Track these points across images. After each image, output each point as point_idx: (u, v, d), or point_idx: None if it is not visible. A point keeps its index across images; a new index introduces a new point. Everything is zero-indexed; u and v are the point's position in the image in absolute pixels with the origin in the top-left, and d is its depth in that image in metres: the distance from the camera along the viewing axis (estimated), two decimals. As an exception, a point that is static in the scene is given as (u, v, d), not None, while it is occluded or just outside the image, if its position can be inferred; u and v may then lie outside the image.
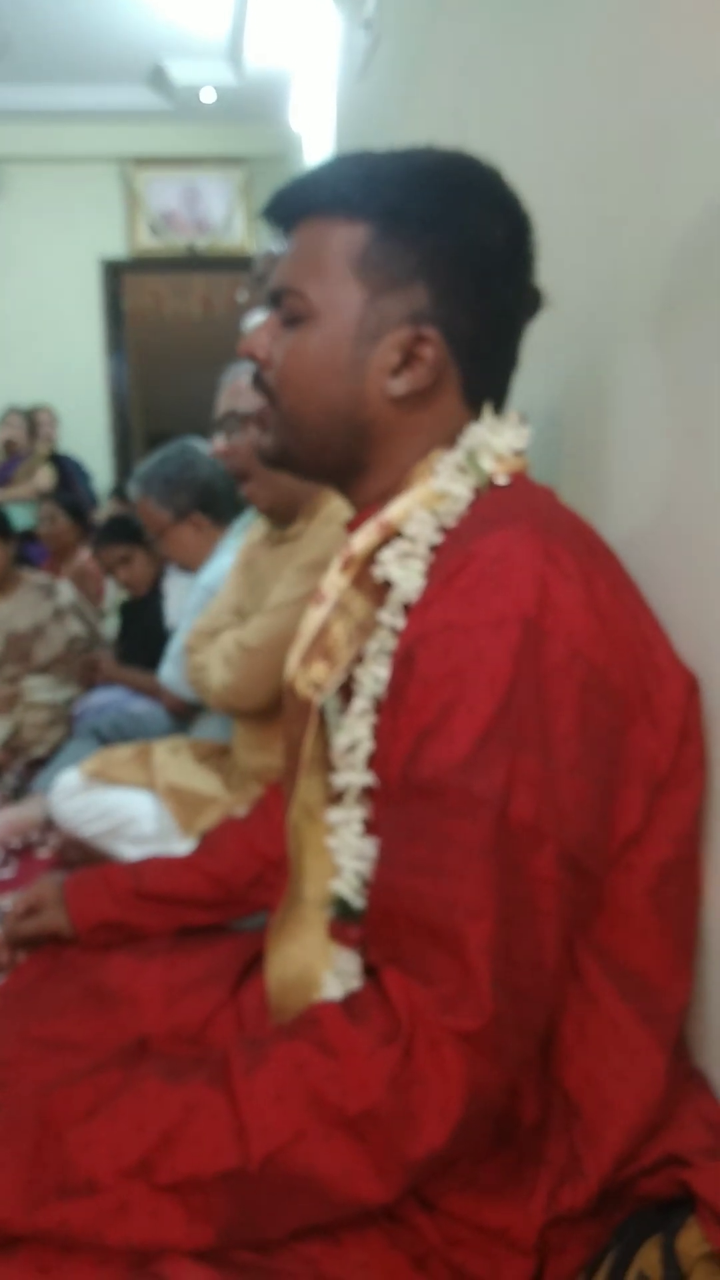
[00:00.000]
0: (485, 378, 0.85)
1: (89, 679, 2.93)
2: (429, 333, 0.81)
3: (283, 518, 1.67)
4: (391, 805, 0.74)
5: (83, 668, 3.00)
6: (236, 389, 1.70)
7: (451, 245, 0.81)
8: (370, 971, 0.74)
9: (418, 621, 0.75)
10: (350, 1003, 0.70)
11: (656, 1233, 0.69)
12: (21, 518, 4.66)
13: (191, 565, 2.26)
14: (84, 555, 4.24)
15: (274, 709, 1.62)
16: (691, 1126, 0.74)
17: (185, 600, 2.26)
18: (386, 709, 0.76)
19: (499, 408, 0.87)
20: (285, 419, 0.87)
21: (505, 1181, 0.73)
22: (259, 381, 0.90)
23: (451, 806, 0.67)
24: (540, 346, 0.92)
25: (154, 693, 2.52)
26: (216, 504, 2.21)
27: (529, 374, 0.92)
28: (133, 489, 2.27)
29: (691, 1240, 0.65)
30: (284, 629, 1.53)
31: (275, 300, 0.87)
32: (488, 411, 0.84)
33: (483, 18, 1.55)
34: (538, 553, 0.71)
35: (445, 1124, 0.64)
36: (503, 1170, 0.74)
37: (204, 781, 1.78)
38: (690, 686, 0.78)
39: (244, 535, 2.12)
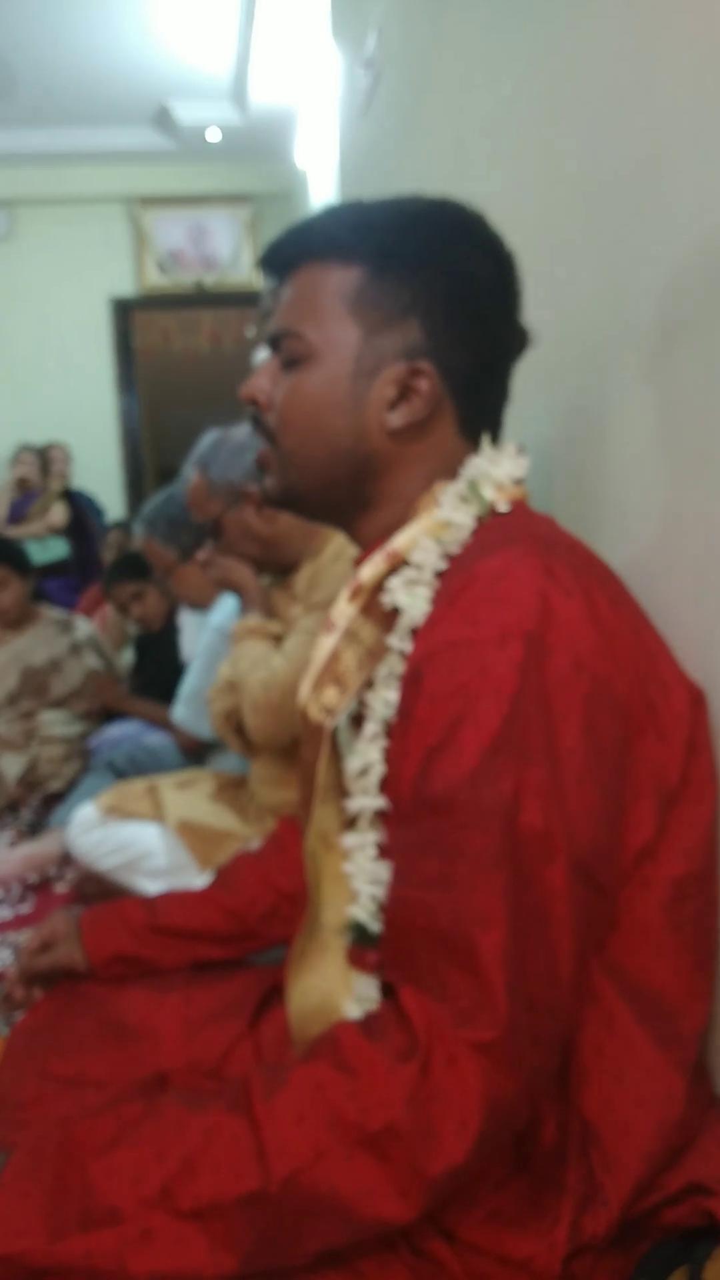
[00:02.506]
0: (479, 409, 0.88)
1: (99, 700, 2.94)
2: (423, 366, 0.83)
3: (284, 573, 1.69)
4: (403, 824, 0.75)
5: (93, 689, 3.01)
6: (195, 501, 1.74)
7: (442, 282, 0.84)
8: (388, 991, 0.75)
9: (424, 641, 0.76)
10: (368, 1021, 0.70)
11: (682, 1263, 0.68)
12: (36, 554, 4.69)
13: (201, 604, 2.27)
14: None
15: (290, 746, 1.63)
16: (715, 1155, 0.74)
17: (197, 639, 2.26)
18: (396, 730, 0.77)
19: (493, 439, 0.89)
20: (289, 458, 0.89)
21: (527, 1211, 0.73)
22: (259, 425, 0.92)
23: (461, 819, 0.68)
24: (537, 376, 0.93)
25: (166, 725, 2.52)
26: None
27: (526, 404, 0.93)
28: (138, 529, 2.28)
29: (718, 1271, 0.65)
30: (303, 657, 1.54)
31: (274, 344, 0.89)
32: (485, 442, 0.86)
33: (480, 53, 1.57)
34: (538, 569, 0.72)
35: (465, 1138, 0.64)
36: (523, 1199, 0.73)
37: (218, 817, 1.78)
38: (696, 698, 0.79)
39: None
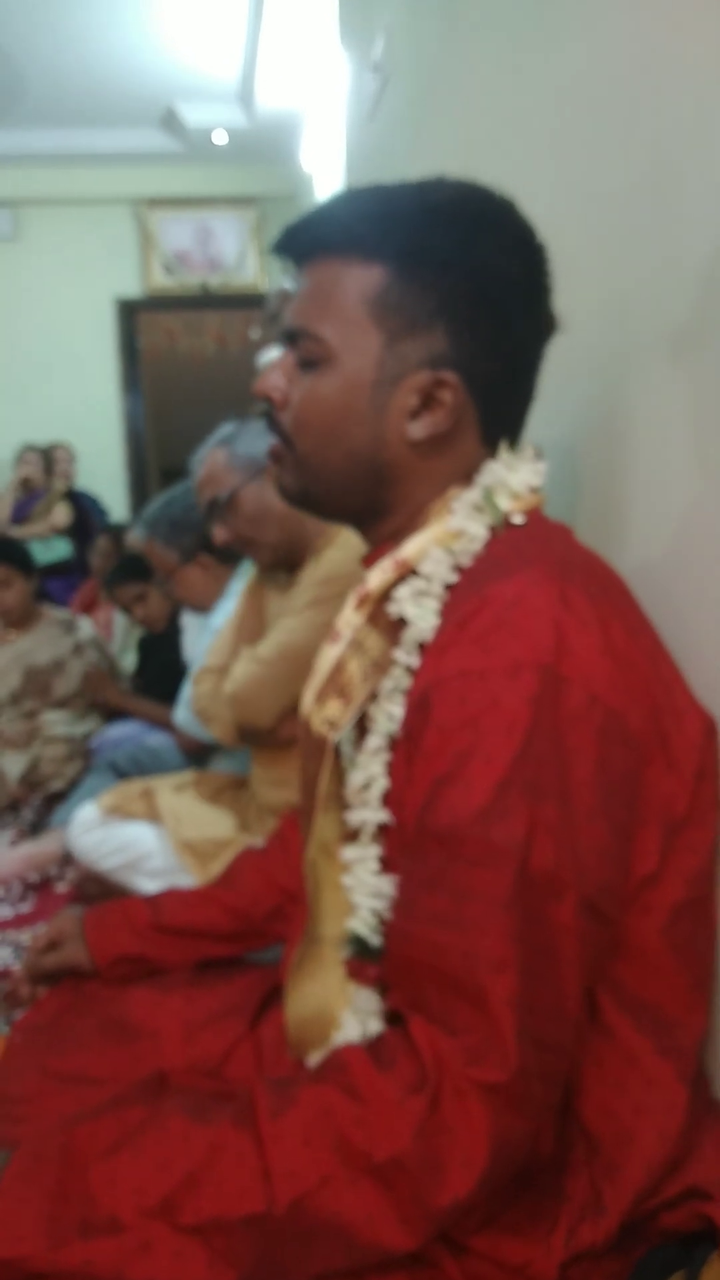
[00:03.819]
0: (504, 415, 0.86)
1: (93, 695, 2.94)
2: (448, 377, 0.81)
3: (290, 568, 1.69)
4: (408, 852, 0.74)
5: (89, 684, 3.00)
6: (211, 477, 1.71)
7: (470, 286, 0.80)
8: (394, 1016, 0.74)
9: (433, 666, 0.74)
10: (377, 1048, 0.70)
11: (679, 1268, 0.68)
12: (40, 554, 4.69)
13: (202, 606, 2.26)
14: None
15: (285, 743, 1.63)
16: (713, 1159, 0.74)
17: (199, 641, 2.26)
18: (401, 751, 0.76)
19: (514, 440, 0.87)
20: (303, 462, 0.87)
21: (526, 1218, 0.73)
22: (273, 422, 0.90)
23: (471, 856, 0.67)
24: (554, 380, 0.93)
25: (167, 725, 2.52)
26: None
27: (544, 408, 0.92)
28: (139, 532, 2.28)
29: (715, 1275, 0.65)
30: (296, 642, 1.54)
31: (290, 340, 0.86)
32: (504, 448, 0.84)
33: (489, 57, 1.57)
34: (553, 598, 0.71)
35: (471, 1174, 0.64)
36: (524, 1207, 0.73)
37: (217, 824, 1.78)
38: (708, 728, 0.77)
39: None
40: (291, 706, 1.50)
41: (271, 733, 1.64)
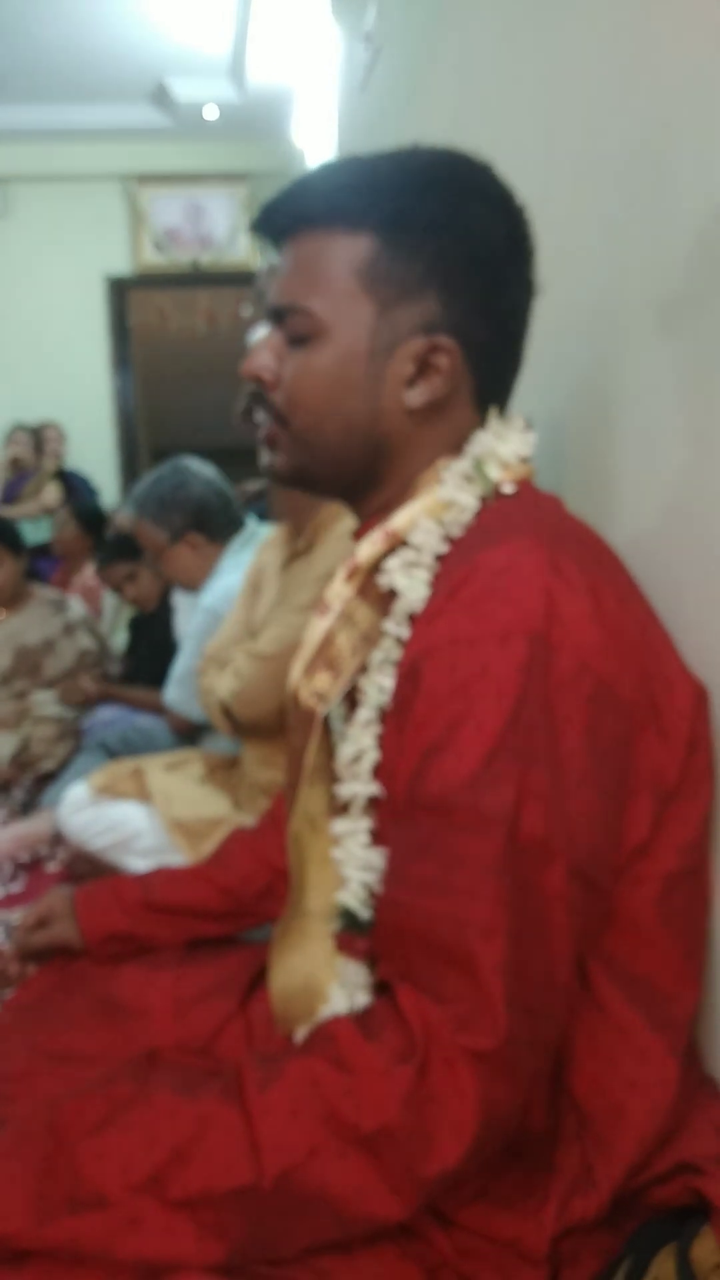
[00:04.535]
0: (497, 381, 0.85)
1: (83, 702, 2.93)
2: (444, 341, 0.80)
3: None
4: (398, 820, 0.74)
5: (67, 691, 2.98)
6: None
7: (458, 249, 0.79)
8: (382, 986, 0.74)
9: (423, 635, 0.74)
10: (365, 1019, 0.70)
11: (670, 1242, 0.68)
12: (30, 534, 4.68)
13: (192, 585, 2.26)
14: (93, 567, 4.23)
15: (279, 726, 1.62)
16: (704, 1134, 0.74)
17: (189, 620, 2.26)
18: (392, 722, 0.76)
19: (502, 410, 0.86)
20: (300, 439, 0.85)
21: (516, 1192, 0.73)
22: (263, 402, 0.88)
23: (461, 823, 0.67)
24: (545, 351, 0.92)
25: (157, 710, 2.52)
26: (212, 522, 2.21)
27: (533, 379, 0.91)
28: (128, 512, 2.27)
29: (706, 1249, 0.65)
30: (295, 638, 1.53)
31: (277, 318, 0.85)
32: (494, 417, 0.83)
33: (482, 25, 1.56)
34: (543, 565, 0.70)
35: (460, 1142, 0.64)
36: (514, 1181, 0.73)
37: (208, 803, 1.78)
38: (699, 696, 0.77)
39: (245, 552, 2.13)
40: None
41: (274, 729, 1.63)
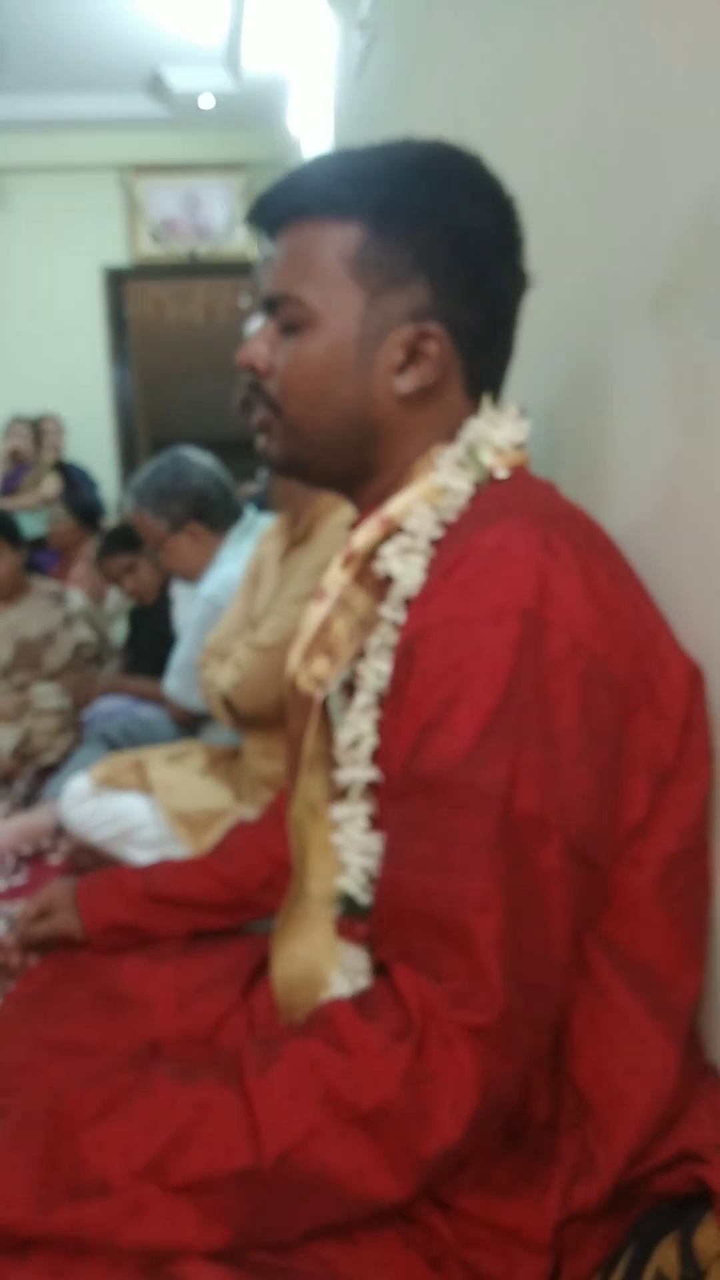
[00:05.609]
0: (487, 368, 0.86)
1: (84, 699, 2.93)
2: (432, 328, 0.81)
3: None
4: (394, 800, 0.74)
5: (75, 690, 2.99)
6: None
7: (446, 237, 0.81)
8: (380, 968, 0.74)
9: (417, 616, 0.74)
10: (362, 1000, 0.70)
11: (673, 1230, 0.68)
12: (29, 526, 4.67)
13: (191, 575, 2.25)
14: (88, 558, 4.26)
15: (280, 717, 1.62)
16: (707, 1122, 0.74)
17: (189, 611, 2.26)
18: (388, 704, 0.76)
19: (495, 397, 0.87)
20: (293, 427, 0.86)
21: (519, 1180, 0.73)
22: (258, 392, 0.89)
23: (455, 801, 0.67)
24: (537, 338, 0.92)
25: (159, 700, 2.52)
26: (212, 511, 2.21)
27: (526, 366, 0.91)
28: (127, 502, 2.27)
29: (709, 1237, 0.65)
30: (295, 628, 1.53)
31: (270, 307, 0.86)
32: (487, 404, 0.84)
33: (476, 12, 1.55)
34: (536, 544, 0.70)
35: (459, 1119, 0.64)
36: (516, 1169, 0.73)
37: (210, 795, 1.78)
38: (694, 675, 0.77)
39: (245, 542, 2.13)
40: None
41: (275, 720, 1.63)
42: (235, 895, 1.17)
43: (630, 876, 0.74)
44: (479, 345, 0.84)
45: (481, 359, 0.85)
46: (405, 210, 0.80)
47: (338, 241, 0.81)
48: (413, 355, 0.82)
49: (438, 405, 0.84)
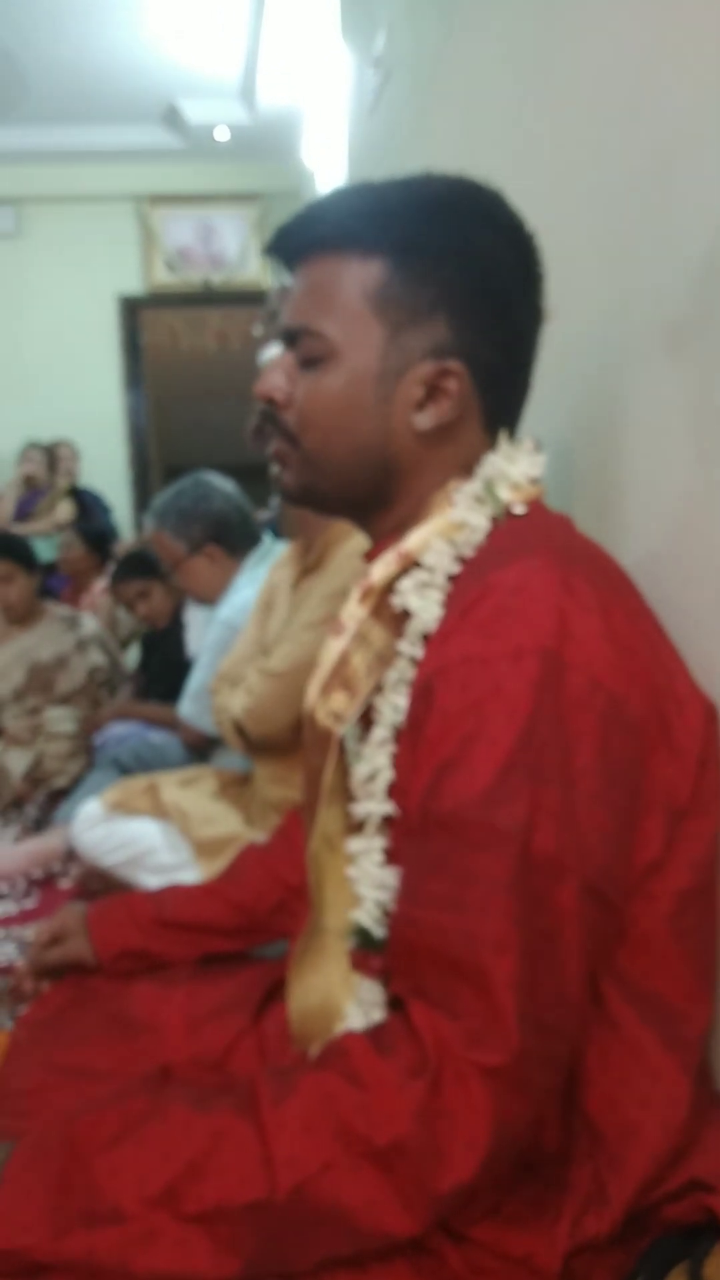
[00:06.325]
0: (505, 405, 0.86)
1: (96, 724, 2.94)
2: (453, 366, 0.81)
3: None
4: (411, 837, 0.74)
5: (87, 715, 3.01)
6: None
7: (467, 274, 0.81)
8: (395, 1003, 0.74)
9: (436, 654, 0.74)
10: (378, 1034, 0.70)
11: (682, 1260, 0.68)
12: (43, 552, 4.71)
13: (208, 598, 2.27)
14: (100, 585, 4.29)
15: (291, 743, 1.63)
16: (715, 1151, 0.74)
17: (205, 634, 2.27)
18: (405, 740, 0.76)
19: (512, 432, 0.87)
20: (310, 459, 0.87)
21: (529, 1209, 0.73)
22: (274, 422, 0.90)
23: (473, 840, 0.67)
24: (552, 373, 0.92)
25: (171, 726, 2.53)
26: (231, 536, 2.23)
27: (541, 400, 0.92)
28: (147, 523, 2.29)
29: (718, 1267, 0.65)
30: (307, 655, 1.54)
31: (290, 340, 0.86)
32: (503, 439, 0.84)
33: (489, 51, 1.57)
34: (555, 583, 0.71)
35: (473, 1157, 0.64)
36: (527, 1198, 0.73)
37: (221, 819, 1.78)
38: (709, 713, 0.77)
39: (261, 568, 2.14)
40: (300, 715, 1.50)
41: (286, 746, 1.64)
42: (246, 919, 1.17)
43: (644, 911, 0.74)
44: (498, 381, 0.84)
45: (500, 396, 0.85)
46: (428, 248, 0.80)
47: (359, 276, 0.82)
48: (432, 392, 0.82)
49: (456, 441, 0.84)
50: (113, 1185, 0.67)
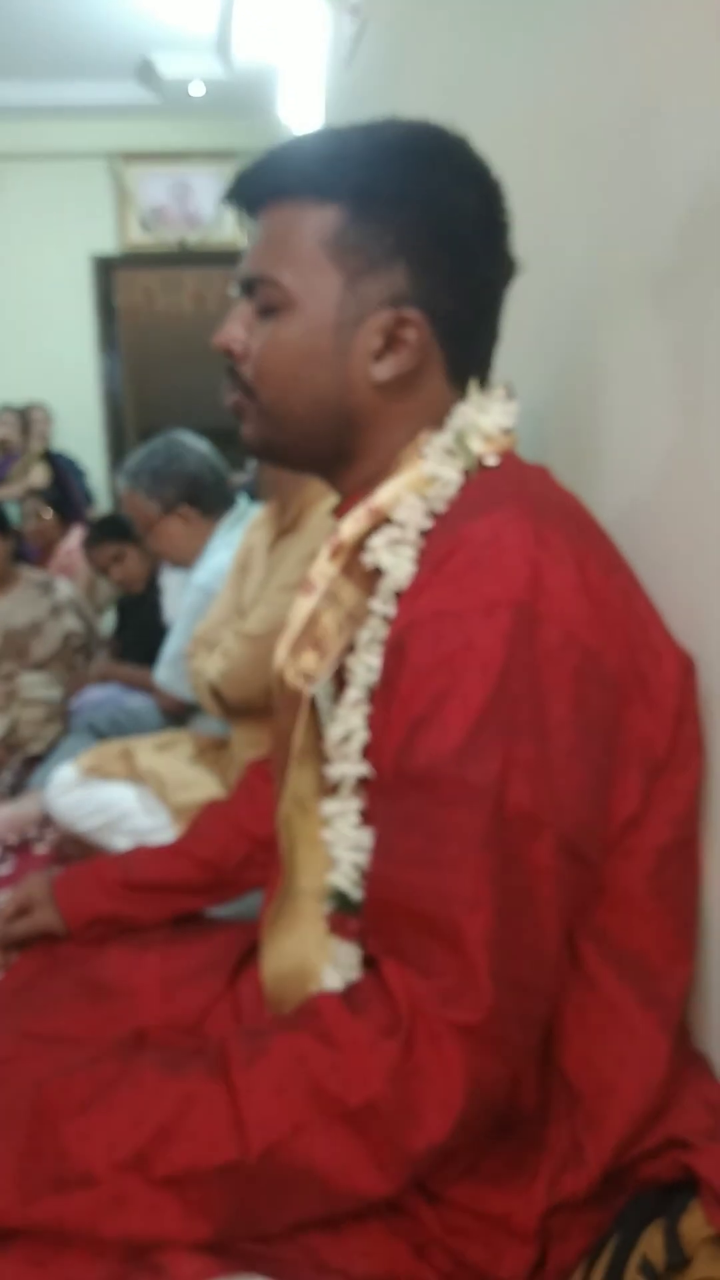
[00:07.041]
0: (469, 355, 0.84)
1: (72, 688, 2.92)
2: (411, 314, 0.79)
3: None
4: (385, 795, 0.73)
5: (71, 682, 2.98)
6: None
7: (427, 221, 0.78)
8: (369, 962, 0.74)
9: (408, 609, 0.73)
10: (351, 994, 0.69)
11: (659, 1217, 0.68)
12: (16, 517, 4.68)
13: (182, 560, 2.24)
14: (66, 549, 4.28)
15: (268, 707, 1.61)
16: (693, 1109, 0.74)
17: (180, 599, 2.25)
18: (379, 699, 0.75)
19: (483, 382, 0.85)
20: (267, 412, 0.85)
21: (506, 1169, 0.73)
22: (233, 374, 0.87)
23: (447, 796, 0.66)
24: (531, 324, 0.91)
25: (150, 688, 2.51)
26: (205, 496, 2.20)
27: (519, 352, 0.90)
28: (120, 483, 2.26)
29: (694, 1224, 0.65)
30: (283, 617, 1.52)
31: (248, 289, 0.84)
32: (473, 389, 0.82)
33: None
34: (528, 536, 0.69)
35: (446, 1117, 0.63)
36: (504, 1158, 0.73)
37: (200, 784, 1.77)
38: (686, 666, 0.77)
39: (236, 531, 2.12)
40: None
41: (263, 710, 1.62)
42: (214, 875, 1.16)
43: (622, 868, 0.73)
44: (461, 332, 0.82)
45: (463, 346, 0.83)
46: (385, 193, 0.78)
47: (316, 223, 0.79)
48: (391, 341, 0.80)
49: (419, 393, 0.82)
50: (82, 1150, 0.67)
